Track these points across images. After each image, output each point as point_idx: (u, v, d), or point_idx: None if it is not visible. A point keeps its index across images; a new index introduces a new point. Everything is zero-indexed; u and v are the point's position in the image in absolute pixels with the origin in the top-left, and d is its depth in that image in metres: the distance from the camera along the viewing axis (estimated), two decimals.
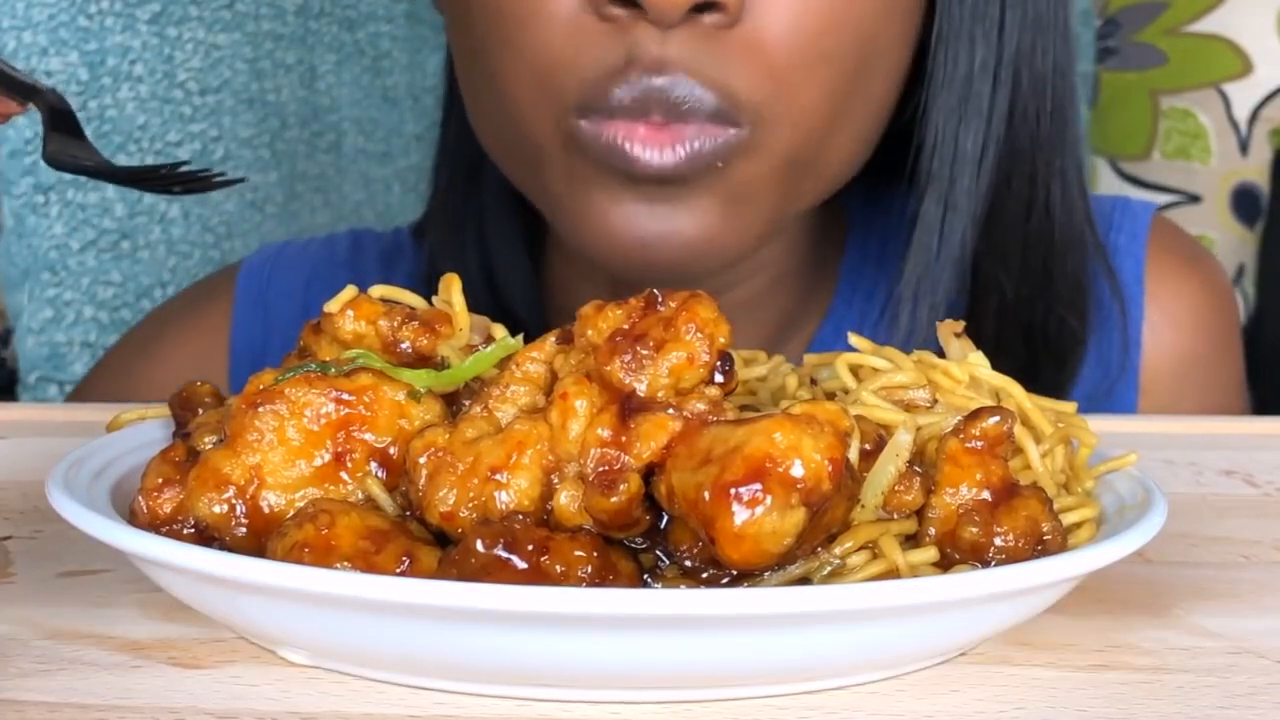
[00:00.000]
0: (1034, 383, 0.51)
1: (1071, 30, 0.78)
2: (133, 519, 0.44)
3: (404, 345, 0.47)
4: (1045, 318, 0.77)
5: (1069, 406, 0.52)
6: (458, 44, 0.74)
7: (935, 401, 0.48)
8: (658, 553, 0.41)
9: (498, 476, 0.42)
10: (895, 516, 0.43)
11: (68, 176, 1.45)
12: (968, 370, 0.50)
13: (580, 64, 0.65)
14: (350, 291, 0.48)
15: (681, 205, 0.66)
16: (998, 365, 0.51)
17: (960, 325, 0.52)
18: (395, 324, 0.47)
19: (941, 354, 0.52)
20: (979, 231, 0.75)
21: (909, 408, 0.47)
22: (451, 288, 0.49)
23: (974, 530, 0.43)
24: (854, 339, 0.51)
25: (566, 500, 0.41)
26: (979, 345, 0.52)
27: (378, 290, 0.49)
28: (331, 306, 0.48)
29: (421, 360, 0.47)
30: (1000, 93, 0.73)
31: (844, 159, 0.72)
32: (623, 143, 0.64)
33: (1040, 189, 0.76)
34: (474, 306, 0.49)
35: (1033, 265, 0.77)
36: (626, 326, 0.43)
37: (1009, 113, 0.74)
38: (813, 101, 0.67)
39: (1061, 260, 0.77)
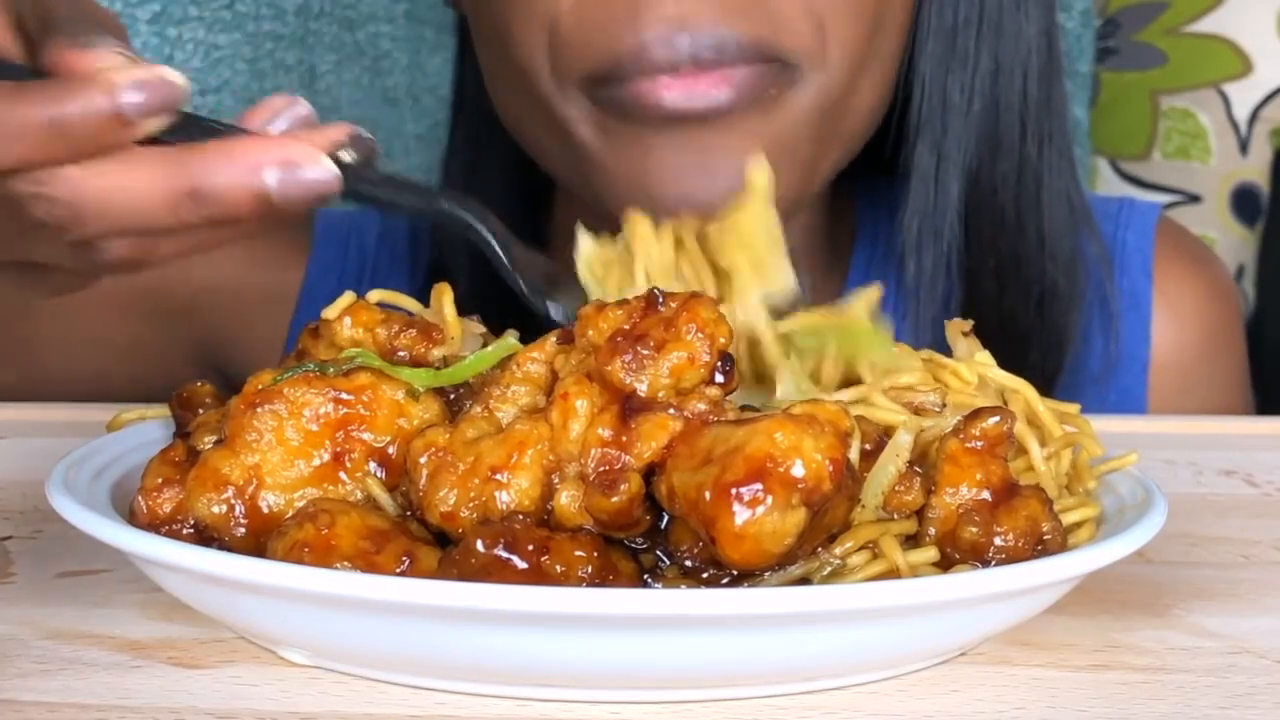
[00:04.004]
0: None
1: (1054, 1, 0.80)
2: (132, 519, 0.44)
3: (401, 354, 0.47)
4: (1041, 284, 0.78)
5: (1072, 408, 0.52)
6: (475, 21, 0.75)
7: (944, 405, 0.48)
8: (658, 553, 0.41)
9: (498, 476, 0.42)
10: (895, 516, 0.43)
11: None
12: (977, 370, 0.50)
13: (588, 24, 0.66)
14: (348, 297, 0.48)
15: (720, 149, 0.67)
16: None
17: (969, 324, 0.52)
18: (393, 332, 0.47)
19: (948, 352, 0.52)
20: (972, 188, 0.77)
21: (918, 411, 0.47)
22: (443, 298, 0.49)
23: (974, 530, 0.43)
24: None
25: (567, 500, 0.41)
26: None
27: (375, 295, 0.49)
28: (329, 313, 0.48)
29: (418, 367, 0.47)
30: (984, 48, 0.76)
31: (868, 108, 0.73)
32: (645, 97, 0.65)
33: (1030, 147, 0.78)
34: (480, 300, 0.49)
35: (1026, 226, 0.78)
36: (627, 327, 0.43)
37: (994, 70, 0.76)
38: (847, 44, 0.68)
39: (1053, 223, 0.79)
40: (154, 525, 0.44)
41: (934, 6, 0.74)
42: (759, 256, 0.51)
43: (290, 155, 0.43)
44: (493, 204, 0.87)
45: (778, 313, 0.51)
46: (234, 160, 0.43)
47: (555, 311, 0.49)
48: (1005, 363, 0.51)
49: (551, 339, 0.45)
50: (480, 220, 0.48)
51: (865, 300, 0.51)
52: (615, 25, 0.65)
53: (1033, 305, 0.78)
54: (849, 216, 0.87)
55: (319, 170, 0.43)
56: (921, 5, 0.74)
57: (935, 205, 0.76)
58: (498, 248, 0.49)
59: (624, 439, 0.41)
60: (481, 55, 0.76)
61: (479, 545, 0.39)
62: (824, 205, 0.83)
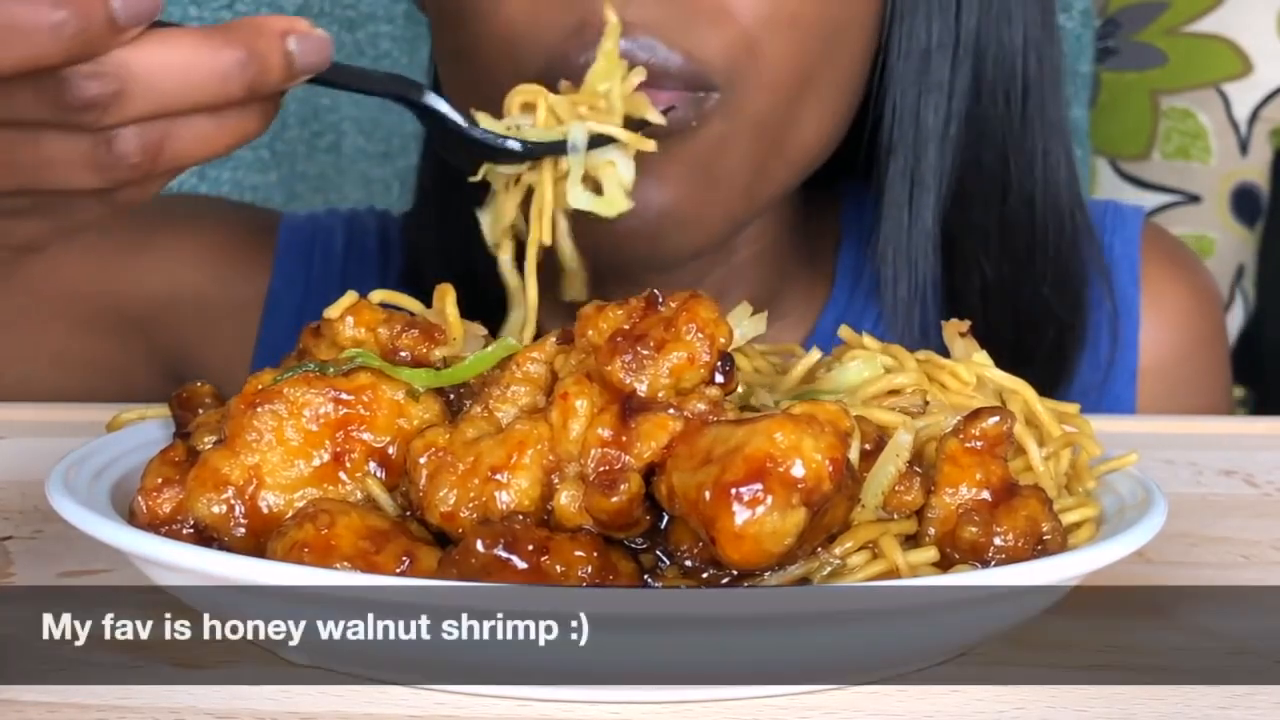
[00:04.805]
0: (1026, 369, 0.51)
1: (1050, 12, 0.78)
2: (132, 519, 0.44)
3: (403, 354, 0.47)
4: (1032, 302, 0.78)
5: (1072, 408, 0.52)
6: (434, 27, 0.74)
7: (926, 405, 0.48)
8: (658, 553, 0.41)
9: (498, 476, 0.42)
10: (895, 516, 0.43)
11: None
12: (975, 371, 0.50)
13: (541, 29, 0.65)
14: (350, 297, 0.48)
15: (650, 175, 0.64)
16: (986, 347, 0.52)
17: (965, 325, 0.52)
18: (394, 332, 0.47)
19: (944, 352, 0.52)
20: (954, 208, 0.75)
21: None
22: (445, 298, 0.49)
23: (974, 530, 0.43)
24: (867, 339, 0.51)
25: (567, 500, 0.41)
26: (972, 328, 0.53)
27: (377, 295, 0.49)
28: (331, 312, 0.48)
29: (420, 368, 0.47)
30: (960, 69, 0.73)
31: (815, 134, 0.71)
32: None
33: (1014, 169, 0.76)
34: (460, 305, 0.49)
35: (1014, 246, 0.77)
36: (627, 327, 0.43)
37: (975, 91, 0.74)
38: (783, 67, 0.66)
39: (1044, 243, 0.78)
40: (154, 525, 0.44)
41: (904, 27, 0.72)
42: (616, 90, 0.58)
43: (295, 25, 0.47)
44: (465, 217, 0.86)
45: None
46: (265, 29, 0.46)
47: (515, 144, 0.56)
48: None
49: (551, 339, 0.45)
50: (434, 92, 0.54)
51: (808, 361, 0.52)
52: (562, 24, 0.64)
53: (1026, 328, 0.77)
54: (832, 216, 0.86)
55: (321, 36, 0.47)
56: (891, 26, 0.72)
57: (909, 236, 0.74)
58: (456, 115, 0.55)
59: (624, 439, 0.41)
60: (442, 68, 0.75)
61: (479, 545, 0.39)
62: (800, 205, 0.82)
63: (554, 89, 0.61)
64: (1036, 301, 0.78)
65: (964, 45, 0.73)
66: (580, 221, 0.62)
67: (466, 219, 0.85)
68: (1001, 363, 0.51)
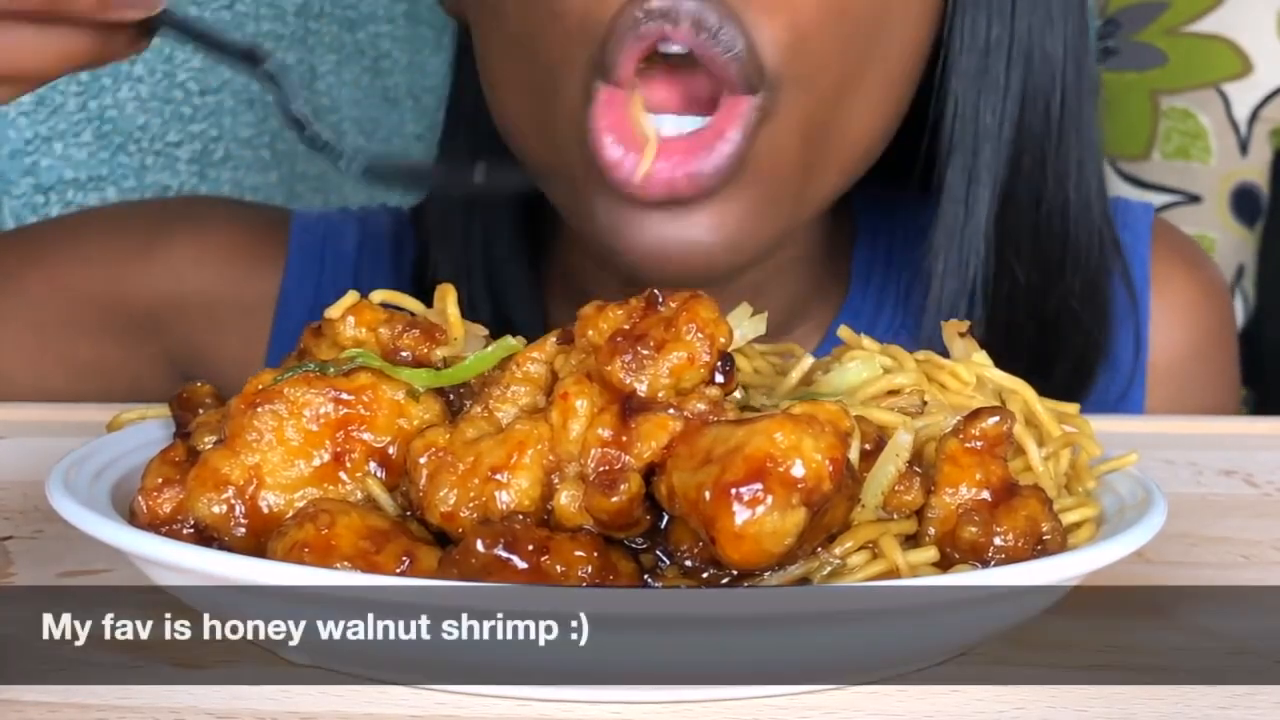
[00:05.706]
0: (1048, 379, 0.51)
1: (1087, 26, 0.77)
2: (133, 519, 0.44)
3: (404, 354, 0.47)
4: (1058, 312, 0.77)
5: (1071, 408, 0.52)
6: (483, 25, 0.72)
7: (924, 405, 0.48)
8: (658, 553, 0.41)
9: (498, 476, 0.42)
10: (895, 516, 0.43)
11: (68, 175, 1.45)
12: (975, 371, 0.50)
13: (603, 6, 0.63)
14: (351, 297, 0.48)
15: (698, 209, 0.64)
16: (1010, 352, 0.52)
17: (965, 325, 0.52)
18: (395, 332, 0.47)
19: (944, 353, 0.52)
20: (998, 213, 0.75)
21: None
22: (446, 298, 0.49)
23: (974, 530, 0.43)
24: (866, 340, 0.51)
25: (567, 500, 0.41)
26: (993, 330, 0.52)
27: (379, 295, 0.49)
28: (333, 312, 0.48)
29: (420, 368, 0.47)
30: (1014, 70, 0.73)
31: (865, 133, 0.70)
32: (613, 164, 0.62)
33: (1050, 177, 0.75)
34: (472, 307, 0.49)
35: (1045, 254, 0.77)
36: (627, 327, 0.43)
37: (1021, 93, 0.73)
38: (829, 59, 0.65)
39: (1075, 253, 0.77)
40: (154, 525, 0.44)
41: (966, 22, 0.71)
42: None
43: None
44: (486, 230, 0.85)
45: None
46: None
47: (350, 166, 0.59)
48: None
49: (551, 339, 0.45)
50: (281, 73, 0.55)
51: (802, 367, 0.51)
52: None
53: (1050, 337, 0.77)
54: (846, 215, 0.86)
55: None
56: (953, 20, 0.71)
57: (963, 229, 0.74)
58: (288, 93, 0.56)
59: (624, 439, 0.41)
60: (494, 62, 0.72)
61: (479, 545, 0.39)
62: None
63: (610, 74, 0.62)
64: (1064, 310, 0.77)
65: (1017, 46, 0.73)
66: (622, 256, 0.61)
67: (483, 222, 0.85)
68: (1021, 368, 0.51)
